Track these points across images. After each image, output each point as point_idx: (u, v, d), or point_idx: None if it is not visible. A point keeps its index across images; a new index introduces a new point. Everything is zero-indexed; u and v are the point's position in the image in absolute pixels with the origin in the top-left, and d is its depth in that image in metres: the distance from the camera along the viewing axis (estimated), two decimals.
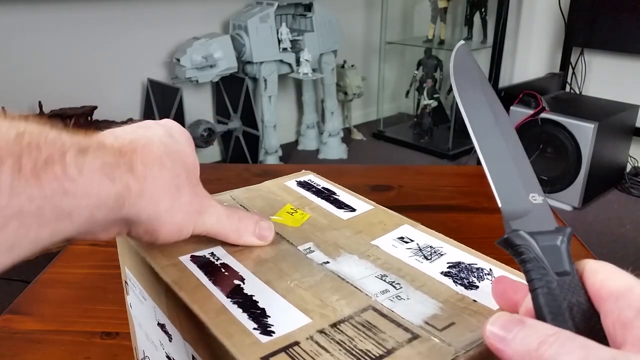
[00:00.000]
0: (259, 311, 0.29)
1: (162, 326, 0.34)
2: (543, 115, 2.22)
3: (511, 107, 2.33)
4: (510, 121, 0.30)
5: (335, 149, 2.81)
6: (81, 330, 0.51)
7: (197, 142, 2.39)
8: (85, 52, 2.19)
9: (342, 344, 0.26)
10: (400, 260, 0.34)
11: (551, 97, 2.44)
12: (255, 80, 2.51)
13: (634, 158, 2.52)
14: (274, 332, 0.27)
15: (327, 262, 0.34)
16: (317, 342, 0.26)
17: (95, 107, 2.13)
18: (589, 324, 0.22)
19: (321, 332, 0.27)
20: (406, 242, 0.36)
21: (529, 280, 0.23)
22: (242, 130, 2.57)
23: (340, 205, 0.42)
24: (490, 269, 0.33)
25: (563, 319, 0.22)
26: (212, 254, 0.34)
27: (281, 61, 2.50)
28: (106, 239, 0.30)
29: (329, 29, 2.61)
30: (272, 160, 2.55)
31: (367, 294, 0.30)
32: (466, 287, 0.31)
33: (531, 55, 2.96)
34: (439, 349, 0.26)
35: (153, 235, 0.30)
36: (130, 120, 2.18)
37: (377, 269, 0.33)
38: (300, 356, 0.25)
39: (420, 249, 0.35)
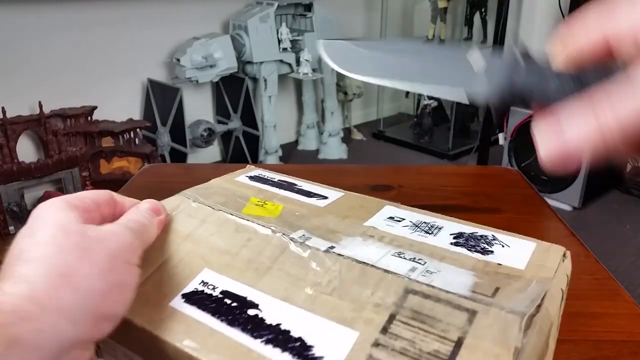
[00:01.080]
0: (298, 343, 0.24)
1: None
2: None
3: (511, 107, 2.33)
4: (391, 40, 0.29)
5: (335, 149, 2.81)
6: None
7: (197, 142, 2.39)
8: (85, 52, 2.19)
9: (407, 352, 0.23)
10: (406, 237, 0.32)
11: None
12: (255, 80, 2.51)
13: (634, 158, 2.52)
14: None
15: (332, 247, 0.30)
16: None
17: (95, 107, 2.13)
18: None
19: (377, 345, 0.23)
20: (398, 221, 0.34)
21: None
22: (242, 130, 2.57)
23: (308, 194, 0.38)
24: (492, 235, 0.32)
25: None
26: (203, 282, 0.28)
27: (281, 61, 2.50)
28: None
29: (329, 29, 2.61)
30: (272, 160, 2.55)
31: (397, 276, 0.27)
32: (482, 254, 0.30)
33: None
34: (504, 318, 0.24)
35: (107, 318, 0.26)
36: (130, 120, 2.19)
37: (389, 247, 0.30)
38: None
39: (416, 225, 0.33)
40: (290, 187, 0.40)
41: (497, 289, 0.26)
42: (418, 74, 0.26)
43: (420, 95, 2.97)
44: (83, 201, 0.29)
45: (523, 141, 2.32)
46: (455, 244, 0.31)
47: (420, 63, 0.26)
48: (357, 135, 3.12)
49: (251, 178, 0.42)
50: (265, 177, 0.42)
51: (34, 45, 2.06)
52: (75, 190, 2.05)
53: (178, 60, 2.26)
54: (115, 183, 2.02)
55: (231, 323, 0.26)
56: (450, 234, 0.32)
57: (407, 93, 3.14)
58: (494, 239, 0.31)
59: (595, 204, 2.29)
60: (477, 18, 2.85)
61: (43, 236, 0.26)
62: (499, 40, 2.42)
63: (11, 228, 1.90)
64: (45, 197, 1.97)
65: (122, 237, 0.28)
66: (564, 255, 0.30)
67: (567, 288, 0.30)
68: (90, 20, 2.17)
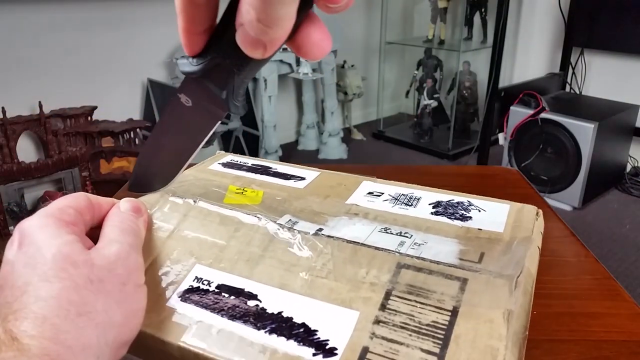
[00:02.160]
0: (301, 329, 0.24)
1: None
2: (543, 115, 2.22)
3: (511, 107, 2.33)
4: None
5: (335, 149, 2.80)
6: None
7: None
8: (85, 52, 2.19)
9: (407, 326, 0.24)
10: (388, 212, 0.32)
11: (551, 97, 2.44)
12: (255, 80, 2.51)
13: (633, 158, 2.52)
14: (336, 349, 0.23)
15: (321, 229, 0.30)
16: (383, 337, 0.24)
17: (95, 107, 2.13)
18: None
19: (378, 322, 0.24)
20: (378, 195, 0.35)
21: None
22: (242, 130, 2.57)
23: (285, 177, 0.38)
24: (468, 201, 0.33)
25: None
26: (197, 278, 0.28)
27: (281, 61, 2.50)
28: None
29: (329, 29, 2.58)
30: (272, 160, 2.55)
31: (388, 252, 0.28)
32: (462, 220, 0.31)
33: (531, 55, 2.96)
34: (493, 283, 0.25)
35: (125, 344, 0.26)
36: (130, 120, 2.18)
37: (375, 223, 0.31)
38: None
39: (395, 198, 0.34)
40: (265, 170, 0.40)
41: (482, 255, 0.27)
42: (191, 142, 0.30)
43: (420, 95, 2.97)
44: (68, 213, 0.28)
45: (523, 141, 2.32)
46: (435, 213, 0.32)
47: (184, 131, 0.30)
48: (357, 135, 3.12)
49: (224, 165, 0.41)
50: (238, 162, 0.42)
51: (34, 45, 2.06)
52: (76, 190, 2.05)
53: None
54: (115, 183, 2.03)
55: (232, 317, 0.26)
56: (429, 204, 0.33)
57: (407, 93, 3.14)
58: (470, 205, 0.32)
59: (595, 203, 2.29)
60: (477, 18, 2.84)
61: (49, 269, 0.25)
62: (499, 40, 2.42)
63: (11, 228, 1.90)
64: (45, 197, 1.97)
65: (128, 261, 0.27)
66: (537, 214, 0.32)
67: (541, 245, 0.31)
68: (90, 20, 2.17)
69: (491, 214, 0.32)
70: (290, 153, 2.85)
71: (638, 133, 2.43)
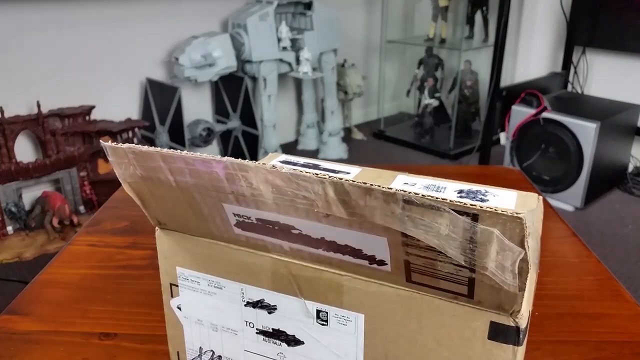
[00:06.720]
0: (349, 249, 0.31)
1: (255, 304, 0.35)
2: (545, 114, 2.21)
3: (513, 107, 2.33)
4: None
5: (335, 149, 2.80)
6: (79, 331, 0.51)
7: (196, 142, 2.39)
8: (83, 51, 2.19)
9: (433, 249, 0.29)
10: (424, 194, 0.39)
11: (553, 97, 2.44)
12: (254, 79, 2.50)
13: (636, 158, 2.52)
14: (384, 261, 0.29)
15: None
16: (417, 255, 0.28)
17: (93, 107, 2.13)
18: None
19: (406, 244, 0.29)
20: (412, 185, 0.42)
21: None
22: (241, 129, 2.57)
23: (334, 171, 0.46)
24: (484, 190, 0.40)
25: None
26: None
27: (281, 60, 2.50)
28: None
29: (329, 27, 2.60)
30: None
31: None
32: (482, 201, 0.38)
33: (533, 54, 2.95)
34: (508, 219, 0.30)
35: None
36: (128, 120, 2.18)
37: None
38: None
39: (427, 187, 0.41)
40: (316, 167, 0.47)
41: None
42: None
43: (421, 94, 2.97)
44: None
45: (525, 141, 2.31)
46: (461, 197, 0.39)
47: None
48: (358, 135, 3.11)
49: (282, 162, 0.48)
50: (293, 161, 0.49)
51: (31, 44, 2.05)
52: (74, 190, 2.05)
53: (177, 59, 2.26)
54: (113, 183, 2.02)
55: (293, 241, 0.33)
56: (454, 191, 0.40)
57: (408, 92, 3.14)
58: (487, 192, 0.40)
59: (597, 204, 2.28)
60: (478, 17, 2.84)
61: None
62: (501, 39, 2.42)
63: (9, 228, 1.90)
64: (44, 197, 1.96)
65: None
66: (537, 199, 0.40)
67: (542, 218, 0.40)
68: (88, 19, 2.17)
69: (503, 197, 0.39)
70: (290, 153, 2.85)
71: None
